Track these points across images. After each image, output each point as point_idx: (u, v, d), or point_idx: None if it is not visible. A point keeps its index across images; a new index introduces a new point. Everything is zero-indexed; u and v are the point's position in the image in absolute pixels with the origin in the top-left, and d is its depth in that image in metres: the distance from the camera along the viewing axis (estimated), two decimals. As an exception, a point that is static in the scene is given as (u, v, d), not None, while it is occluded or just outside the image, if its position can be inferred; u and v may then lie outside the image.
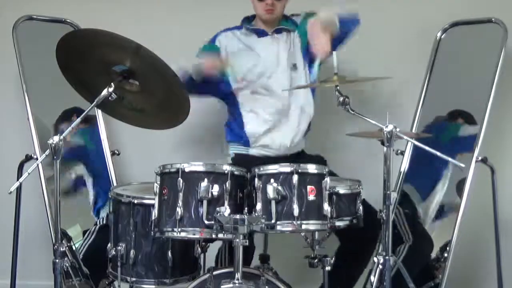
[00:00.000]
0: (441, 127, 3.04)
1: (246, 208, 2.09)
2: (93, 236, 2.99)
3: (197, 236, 2.05)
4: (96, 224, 3.04)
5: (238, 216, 1.96)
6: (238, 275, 2.01)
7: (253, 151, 2.77)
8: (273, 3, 2.69)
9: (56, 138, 2.02)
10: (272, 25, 2.79)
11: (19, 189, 2.80)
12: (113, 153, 3.13)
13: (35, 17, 3.12)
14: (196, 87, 2.61)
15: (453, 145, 3.01)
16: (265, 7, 2.71)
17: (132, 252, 2.24)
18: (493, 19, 2.93)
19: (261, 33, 2.80)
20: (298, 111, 2.75)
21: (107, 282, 2.59)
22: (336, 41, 2.53)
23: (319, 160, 2.74)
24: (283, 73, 2.74)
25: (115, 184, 3.03)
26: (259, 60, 2.75)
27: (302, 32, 2.74)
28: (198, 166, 2.07)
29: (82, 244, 2.98)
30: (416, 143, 2.26)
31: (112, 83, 2.15)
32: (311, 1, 2.64)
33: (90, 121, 3.12)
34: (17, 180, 2.29)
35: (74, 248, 2.94)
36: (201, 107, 3.13)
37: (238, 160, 2.75)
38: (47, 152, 2.04)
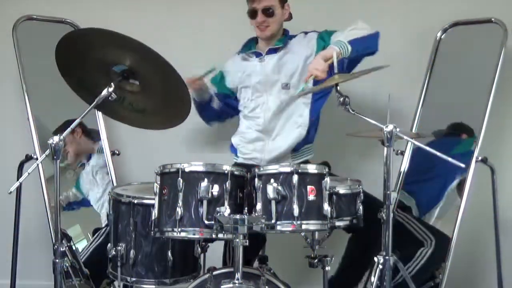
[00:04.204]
0: (448, 144, 3.03)
1: (246, 208, 2.09)
2: (101, 238, 2.99)
3: (197, 236, 2.05)
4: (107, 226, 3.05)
5: (238, 216, 1.96)
6: (238, 275, 2.01)
7: (240, 161, 2.83)
8: (265, 20, 2.71)
9: (56, 138, 2.02)
10: (269, 43, 2.81)
11: (19, 189, 2.80)
12: (113, 153, 3.13)
13: (35, 17, 3.12)
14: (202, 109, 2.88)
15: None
16: (257, 24, 2.74)
17: (132, 252, 2.23)
18: (493, 19, 2.93)
19: (256, 55, 2.83)
20: (283, 133, 2.76)
21: (107, 282, 2.60)
22: (352, 63, 2.62)
23: None
24: (272, 96, 2.77)
25: (115, 184, 3.04)
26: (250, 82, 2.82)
27: (319, 47, 2.73)
28: (198, 166, 2.06)
29: (91, 243, 2.99)
30: (416, 143, 2.26)
31: (112, 83, 2.15)
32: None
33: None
34: (17, 180, 2.29)
35: (74, 248, 2.94)
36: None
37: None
38: (47, 152, 2.04)
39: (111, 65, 2.18)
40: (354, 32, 2.56)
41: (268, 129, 2.77)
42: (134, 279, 2.26)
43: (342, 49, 2.46)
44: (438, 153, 2.09)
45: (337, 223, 2.21)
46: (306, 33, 2.83)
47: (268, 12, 2.70)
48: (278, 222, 2.03)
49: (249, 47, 2.88)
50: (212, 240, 2.40)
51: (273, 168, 2.08)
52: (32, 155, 2.85)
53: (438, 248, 2.84)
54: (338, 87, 2.24)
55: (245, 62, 2.87)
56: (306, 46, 2.76)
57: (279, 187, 2.03)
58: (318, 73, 2.40)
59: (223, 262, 2.64)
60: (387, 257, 2.15)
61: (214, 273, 2.18)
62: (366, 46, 2.58)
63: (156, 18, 3.31)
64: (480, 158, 2.75)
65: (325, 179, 2.09)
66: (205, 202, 2.01)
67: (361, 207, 2.27)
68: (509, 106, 3.10)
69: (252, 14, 2.73)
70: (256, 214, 2.03)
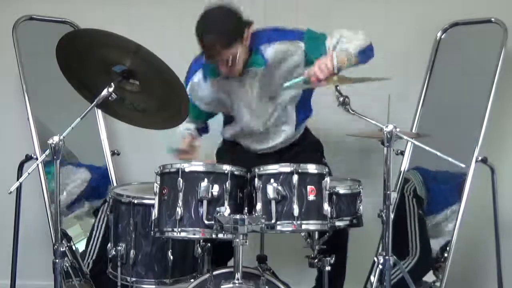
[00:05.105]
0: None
1: (246, 208, 2.09)
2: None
3: (197, 236, 2.05)
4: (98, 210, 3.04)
5: (238, 216, 1.96)
6: (238, 275, 2.01)
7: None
8: (230, 60, 2.39)
9: (56, 138, 2.01)
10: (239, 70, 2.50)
11: (19, 189, 2.80)
12: (113, 153, 3.14)
13: (35, 17, 3.13)
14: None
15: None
16: (224, 65, 2.43)
17: (132, 252, 2.23)
18: (493, 19, 2.94)
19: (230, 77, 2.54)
20: (277, 128, 2.68)
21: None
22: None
23: (315, 145, 2.79)
24: (261, 112, 2.62)
25: (115, 184, 3.04)
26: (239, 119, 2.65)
27: (309, 50, 2.53)
28: (198, 166, 2.06)
29: (94, 235, 2.99)
30: (416, 143, 2.26)
31: (112, 83, 2.15)
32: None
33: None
34: (17, 180, 2.29)
35: (74, 248, 2.94)
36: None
37: (229, 144, 2.78)
38: (47, 152, 2.04)
39: (111, 65, 2.18)
40: (358, 44, 2.42)
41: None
42: (134, 279, 2.26)
43: (349, 61, 2.35)
44: (438, 153, 2.10)
45: (337, 223, 2.21)
46: (290, 36, 2.53)
47: (230, 62, 2.39)
48: (278, 222, 2.03)
49: (213, 72, 2.55)
50: (212, 240, 2.39)
51: (273, 168, 2.08)
52: (32, 155, 2.85)
53: (418, 265, 2.85)
54: (338, 87, 2.24)
55: (219, 84, 2.57)
56: (292, 55, 2.53)
57: (279, 187, 2.03)
58: (320, 76, 2.23)
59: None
60: (387, 257, 2.14)
61: (214, 273, 2.18)
62: (367, 58, 2.49)
63: (156, 19, 3.31)
64: (480, 158, 2.76)
65: (325, 179, 2.09)
66: (205, 202, 2.01)
67: (361, 207, 2.28)
68: (509, 106, 3.10)
69: (211, 60, 2.43)
70: (256, 214, 2.03)
